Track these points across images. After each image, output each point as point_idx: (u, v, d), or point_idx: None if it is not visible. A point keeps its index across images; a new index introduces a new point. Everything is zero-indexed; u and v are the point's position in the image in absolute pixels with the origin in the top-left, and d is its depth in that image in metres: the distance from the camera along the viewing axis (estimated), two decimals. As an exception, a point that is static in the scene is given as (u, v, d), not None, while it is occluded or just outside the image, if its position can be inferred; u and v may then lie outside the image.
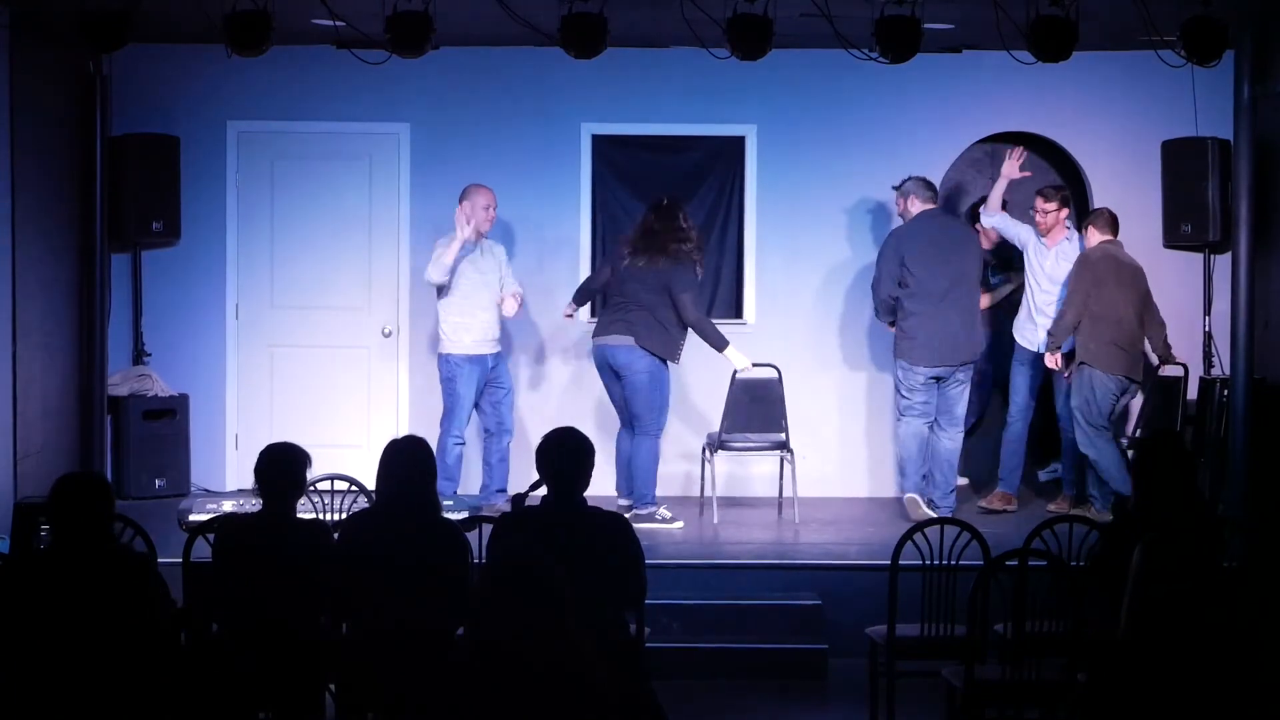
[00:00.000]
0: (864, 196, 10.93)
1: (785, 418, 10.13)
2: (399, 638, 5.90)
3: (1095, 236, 10.01)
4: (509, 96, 10.85)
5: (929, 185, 10.11)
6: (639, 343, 9.59)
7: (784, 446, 10.11)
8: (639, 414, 9.67)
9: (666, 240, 9.62)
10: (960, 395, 9.96)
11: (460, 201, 9.85)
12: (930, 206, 10.05)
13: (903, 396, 9.97)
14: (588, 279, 10.28)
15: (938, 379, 9.89)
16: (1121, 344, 9.81)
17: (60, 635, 5.31)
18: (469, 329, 9.80)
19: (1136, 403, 10.51)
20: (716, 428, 10.18)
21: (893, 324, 10.05)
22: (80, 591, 5.34)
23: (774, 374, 10.14)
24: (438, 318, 9.94)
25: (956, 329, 9.85)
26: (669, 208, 9.73)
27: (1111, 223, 10.03)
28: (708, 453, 10.15)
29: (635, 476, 9.72)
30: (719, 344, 9.76)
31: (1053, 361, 9.92)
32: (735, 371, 9.96)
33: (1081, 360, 9.82)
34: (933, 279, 9.84)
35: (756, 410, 10.13)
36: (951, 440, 9.96)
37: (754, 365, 9.96)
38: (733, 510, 10.29)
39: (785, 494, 10.26)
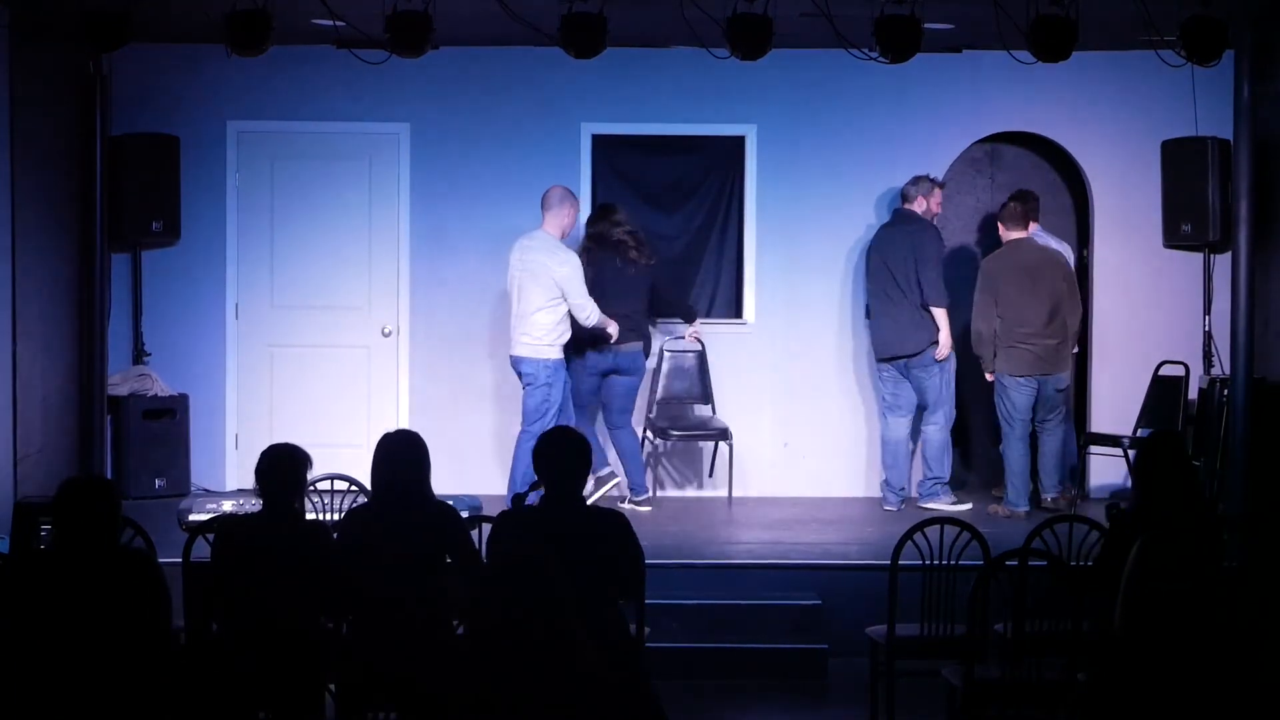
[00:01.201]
0: (864, 196, 10.92)
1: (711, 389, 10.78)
2: (400, 629, 5.90)
3: (1005, 234, 10.32)
4: (509, 96, 10.85)
5: (913, 182, 10.41)
6: (645, 347, 10.15)
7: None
8: (628, 409, 10.24)
9: (631, 240, 10.07)
10: (923, 387, 10.33)
11: (563, 206, 9.82)
12: (901, 207, 10.44)
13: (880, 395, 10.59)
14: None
15: (900, 371, 10.37)
16: (1028, 344, 10.08)
17: (60, 636, 5.31)
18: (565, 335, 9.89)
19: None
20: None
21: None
22: (82, 592, 5.34)
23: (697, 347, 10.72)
24: (539, 324, 9.70)
25: (898, 324, 10.30)
26: (615, 207, 10.23)
27: (1022, 217, 10.25)
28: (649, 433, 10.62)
29: (637, 464, 10.19)
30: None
31: (991, 376, 10.28)
32: (663, 344, 10.53)
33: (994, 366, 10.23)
34: (879, 277, 10.35)
35: (684, 378, 10.78)
36: (930, 426, 10.32)
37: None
38: (733, 509, 10.29)
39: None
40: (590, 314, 9.69)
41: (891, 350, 10.34)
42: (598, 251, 10.01)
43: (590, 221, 10.27)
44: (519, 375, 9.84)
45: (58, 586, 5.35)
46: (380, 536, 6.00)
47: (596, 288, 9.85)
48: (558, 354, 9.77)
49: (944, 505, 10.06)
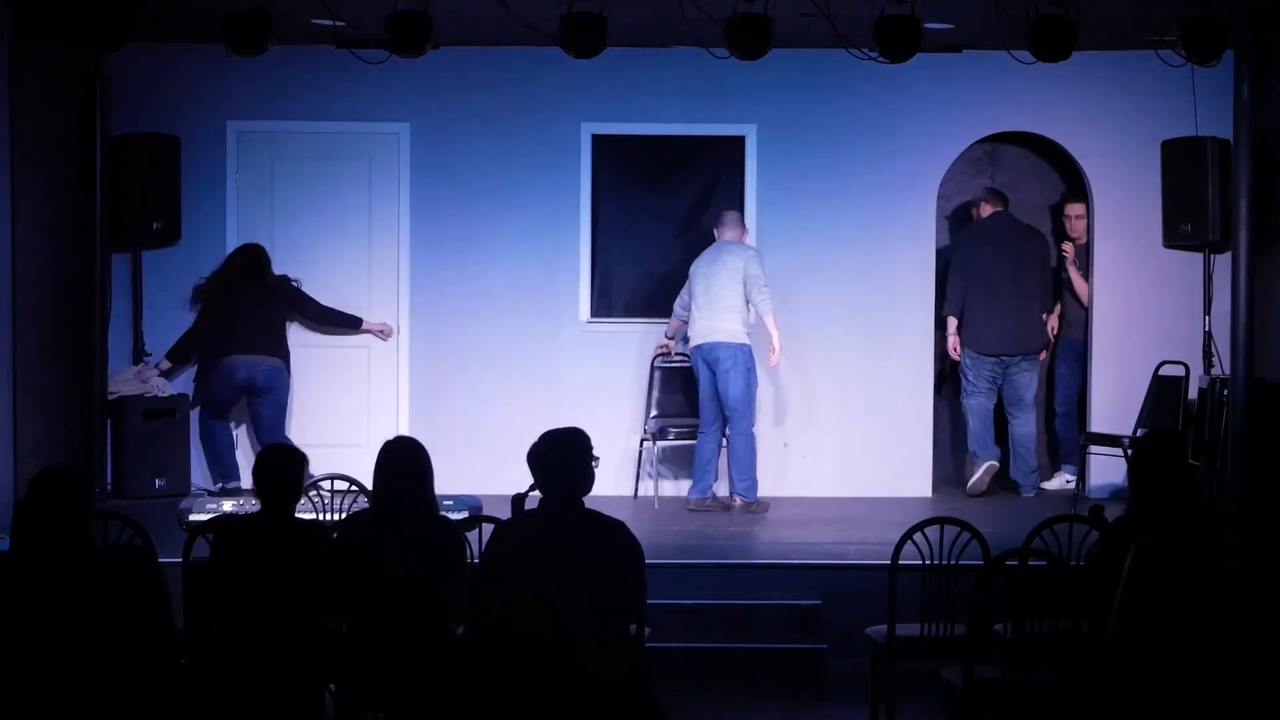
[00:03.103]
0: (864, 196, 10.92)
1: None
2: (397, 637, 5.90)
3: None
4: (509, 96, 10.85)
5: (996, 191, 10.96)
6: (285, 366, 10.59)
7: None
8: (279, 428, 10.49)
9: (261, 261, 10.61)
10: (1028, 384, 10.87)
11: (739, 228, 10.33)
12: (1002, 210, 10.90)
13: (969, 381, 10.87)
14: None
15: (1000, 368, 10.87)
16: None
17: (58, 634, 5.30)
18: None
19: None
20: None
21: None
22: (61, 591, 5.31)
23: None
24: (736, 310, 10.08)
25: (1021, 323, 10.81)
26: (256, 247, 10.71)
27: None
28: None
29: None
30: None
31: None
32: (653, 360, 10.69)
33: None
34: (987, 274, 10.76)
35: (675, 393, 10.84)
36: (1024, 425, 10.81)
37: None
38: (733, 509, 10.28)
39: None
40: (770, 301, 10.05)
41: (1011, 347, 10.80)
42: (231, 276, 10.50)
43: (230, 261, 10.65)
44: (709, 363, 10.09)
45: (34, 584, 5.32)
46: (379, 543, 5.99)
47: (231, 307, 10.38)
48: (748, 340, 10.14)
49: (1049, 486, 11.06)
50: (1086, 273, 11.01)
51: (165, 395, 10.70)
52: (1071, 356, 11.12)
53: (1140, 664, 5.23)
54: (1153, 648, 5.21)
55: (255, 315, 10.46)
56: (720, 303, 10.06)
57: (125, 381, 10.66)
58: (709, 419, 10.20)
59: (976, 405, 10.85)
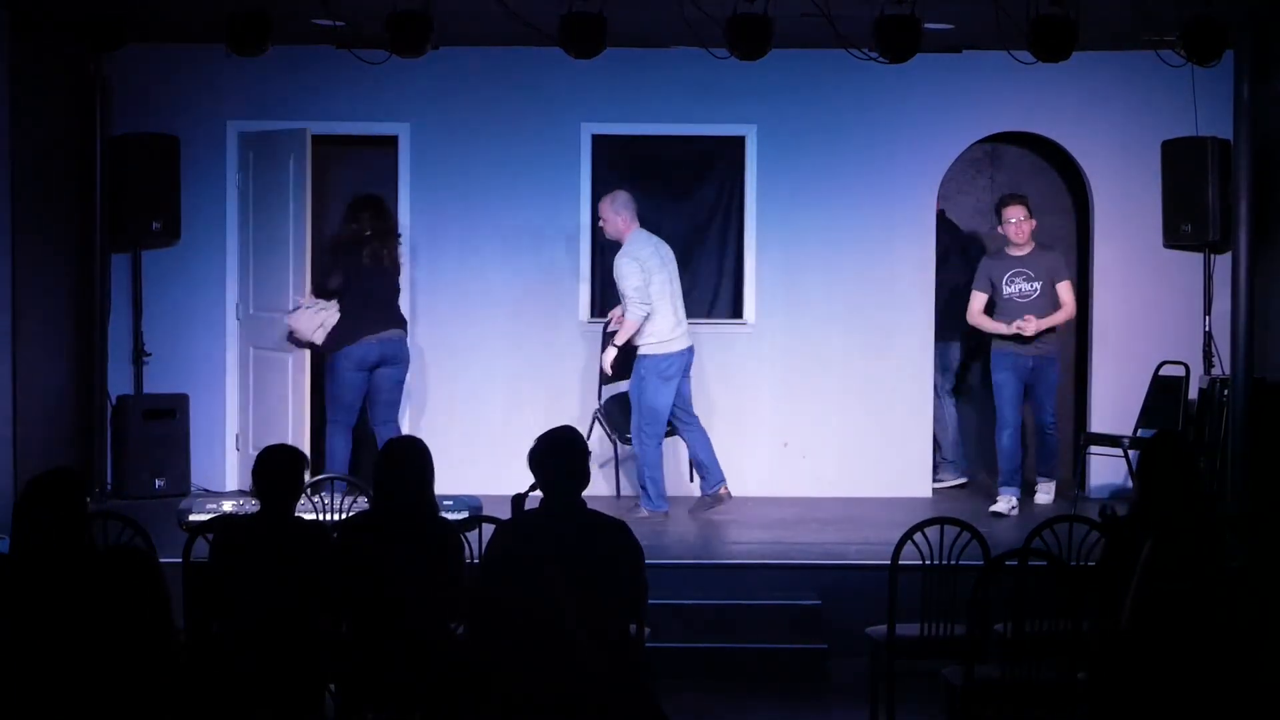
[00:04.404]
0: (864, 196, 10.92)
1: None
2: (397, 637, 5.90)
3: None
4: (509, 96, 10.85)
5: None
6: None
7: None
8: (396, 402, 10.16)
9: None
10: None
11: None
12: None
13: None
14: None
15: None
16: None
17: (58, 634, 5.30)
18: None
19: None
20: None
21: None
22: (61, 591, 5.31)
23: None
24: None
25: None
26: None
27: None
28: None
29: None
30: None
31: None
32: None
33: None
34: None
35: None
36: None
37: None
38: (733, 509, 10.28)
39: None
40: None
41: None
42: (374, 243, 9.91)
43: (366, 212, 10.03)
44: (686, 367, 9.91)
45: (52, 585, 5.33)
46: (380, 543, 5.99)
47: (364, 277, 9.85)
48: None
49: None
50: (1045, 285, 10.14)
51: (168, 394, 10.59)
52: (1004, 366, 10.19)
53: (1146, 663, 5.23)
54: (1158, 647, 5.21)
55: (384, 287, 9.96)
56: (683, 307, 9.95)
57: (303, 317, 10.12)
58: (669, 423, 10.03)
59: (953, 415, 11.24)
